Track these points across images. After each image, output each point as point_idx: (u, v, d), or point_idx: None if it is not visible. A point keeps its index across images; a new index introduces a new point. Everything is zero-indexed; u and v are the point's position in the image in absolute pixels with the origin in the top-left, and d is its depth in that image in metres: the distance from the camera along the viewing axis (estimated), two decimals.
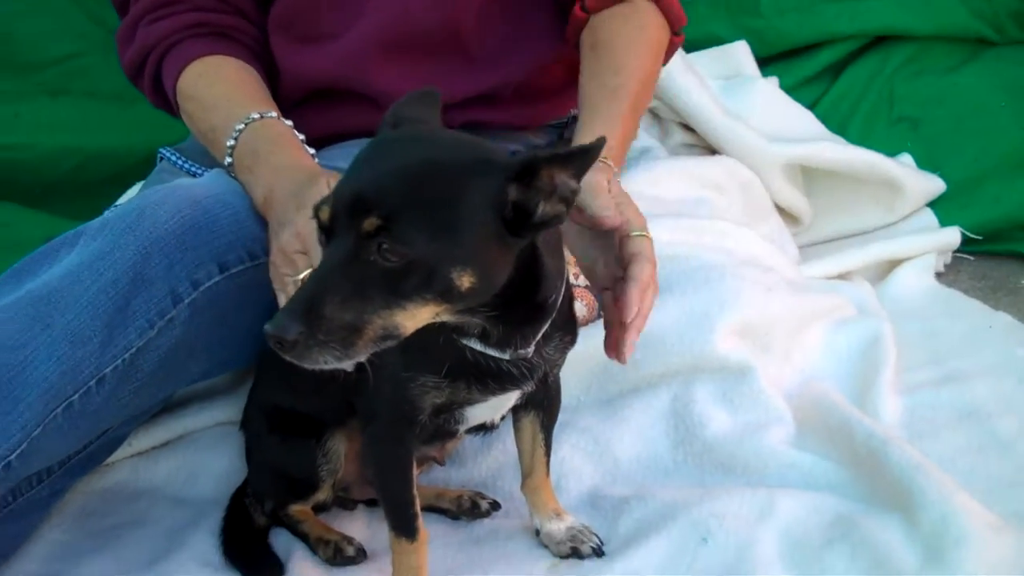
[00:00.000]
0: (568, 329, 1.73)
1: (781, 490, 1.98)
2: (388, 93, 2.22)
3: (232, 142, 2.02)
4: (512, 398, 1.77)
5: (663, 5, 2.25)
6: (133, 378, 1.85)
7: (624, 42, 2.15)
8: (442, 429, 1.80)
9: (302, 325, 1.30)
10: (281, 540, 2.05)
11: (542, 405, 1.91)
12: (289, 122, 2.07)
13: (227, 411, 2.30)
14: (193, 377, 2.08)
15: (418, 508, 1.78)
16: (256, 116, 2.03)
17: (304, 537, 2.02)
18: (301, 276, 1.76)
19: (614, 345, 1.75)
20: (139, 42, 2.28)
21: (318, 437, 1.95)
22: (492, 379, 1.62)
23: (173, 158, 2.29)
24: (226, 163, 2.04)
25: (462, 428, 1.82)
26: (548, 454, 1.95)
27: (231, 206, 1.94)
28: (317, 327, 1.31)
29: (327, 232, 1.38)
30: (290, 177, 1.90)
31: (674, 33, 2.32)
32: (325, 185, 1.79)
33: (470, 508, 2.08)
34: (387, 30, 2.25)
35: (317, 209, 1.38)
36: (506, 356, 1.59)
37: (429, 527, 1.87)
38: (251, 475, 2.10)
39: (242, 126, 2.02)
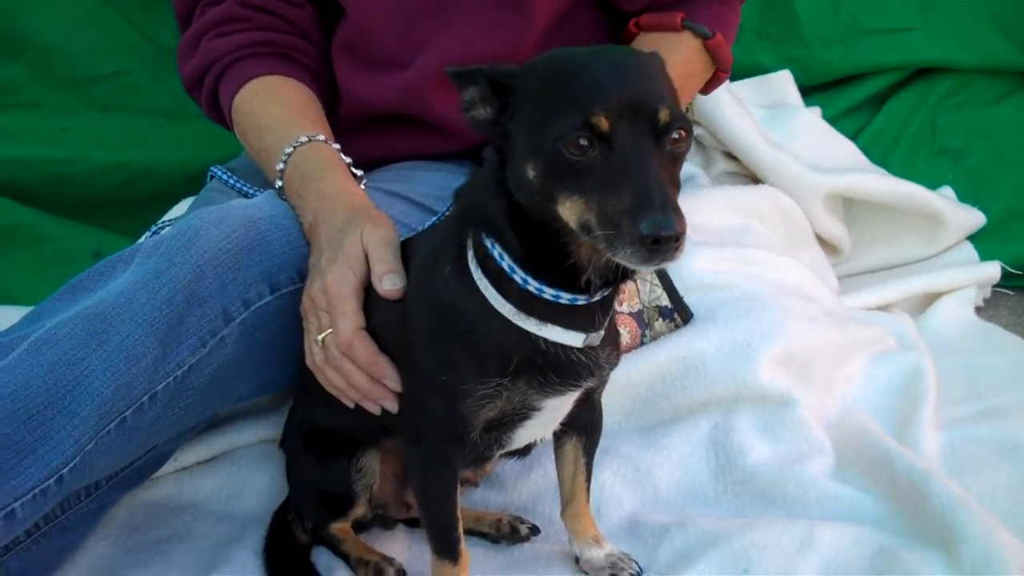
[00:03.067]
0: (615, 344, 1.76)
1: (822, 522, 1.97)
2: (447, 120, 2.27)
3: (282, 165, 2.06)
4: (564, 408, 1.78)
5: (710, 46, 2.30)
6: (184, 395, 1.88)
7: None
8: (483, 454, 1.82)
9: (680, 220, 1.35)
10: (322, 560, 2.06)
11: (585, 429, 1.92)
12: (336, 145, 2.11)
13: (270, 429, 2.32)
14: (240, 395, 2.10)
15: (461, 531, 1.80)
16: (304, 139, 2.07)
17: (345, 557, 2.04)
18: (321, 336, 1.82)
19: None
20: (201, 55, 2.32)
21: (351, 454, 1.98)
22: (554, 373, 1.63)
23: (224, 177, 2.32)
24: (277, 186, 2.07)
25: (505, 449, 1.84)
26: (589, 480, 1.96)
27: (283, 227, 1.98)
28: (682, 220, 1.35)
29: (603, 136, 1.39)
30: (333, 210, 1.93)
31: (720, 70, 2.37)
32: (359, 235, 1.84)
33: (509, 532, 2.09)
34: (451, 61, 2.26)
35: (587, 119, 1.38)
36: (579, 343, 1.61)
37: (469, 550, 1.89)
38: (291, 493, 2.13)
39: (291, 149, 2.06)
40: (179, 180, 3.22)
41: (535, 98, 1.48)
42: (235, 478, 2.30)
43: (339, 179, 2.02)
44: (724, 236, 2.60)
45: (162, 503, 2.26)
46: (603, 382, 1.81)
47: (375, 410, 1.84)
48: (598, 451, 1.98)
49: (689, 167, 2.96)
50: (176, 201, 3.00)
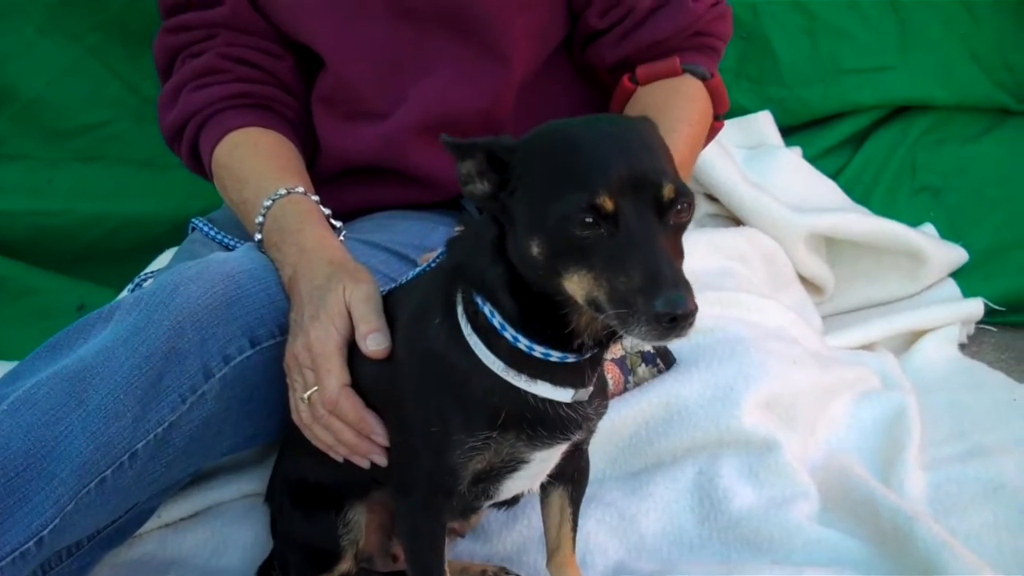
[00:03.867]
0: (603, 393, 1.76)
1: (807, 568, 1.97)
2: (425, 172, 2.28)
3: (260, 218, 2.06)
4: (552, 460, 1.77)
5: (711, 86, 2.30)
6: (164, 453, 1.86)
7: (675, 110, 2.20)
8: (471, 505, 1.81)
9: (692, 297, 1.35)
10: None
11: (571, 479, 1.91)
12: (315, 197, 2.11)
13: (254, 483, 2.30)
14: (223, 450, 2.08)
15: None
16: (283, 192, 2.07)
17: None
18: (307, 394, 1.81)
19: None
20: (181, 108, 2.33)
21: (339, 508, 1.96)
22: (543, 426, 1.63)
23: (206, 228, 2.31)
24: (256, 239, 2.07)
25: (491, 501, 1.83)
26: (575, 530, 1.95)
27: (263, 281, 1.97)
28: (693, 298, 1.35)
29: (608, 214, 1.39)
30: (312, 264, 1.93)
31: (715, 117, 2.37)
32: (341, 292, 1.83)
33: None
34: (429, 114, 2.28)
35: (592, 198, 1.37)
36: (568, 398, 1.61)
37: None
38: (276, 548, 2.11)
39: (269, 202, 2.06)
40: (163, 231, 3.22)
41: (536, 174, 1.47)
42: (219, 534, 2.28)
43: (318, 232, 2.02)
44: (706, 279, 2.59)
45: (145, 560, 2.24)
46: (591, 432, 1.81)
47: (364, 464, 1.83)
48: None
49: None
50: (160, 251, 2.99)
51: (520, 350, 1.56)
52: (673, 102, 2.25)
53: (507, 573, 2.09)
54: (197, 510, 2.31)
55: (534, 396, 1.60)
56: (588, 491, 2.01)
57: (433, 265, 1.84)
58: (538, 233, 1.44)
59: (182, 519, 2.31)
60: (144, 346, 1.82)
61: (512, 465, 1.69)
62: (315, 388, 1.81)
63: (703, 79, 2.30)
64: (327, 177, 2.38)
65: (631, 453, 2.30)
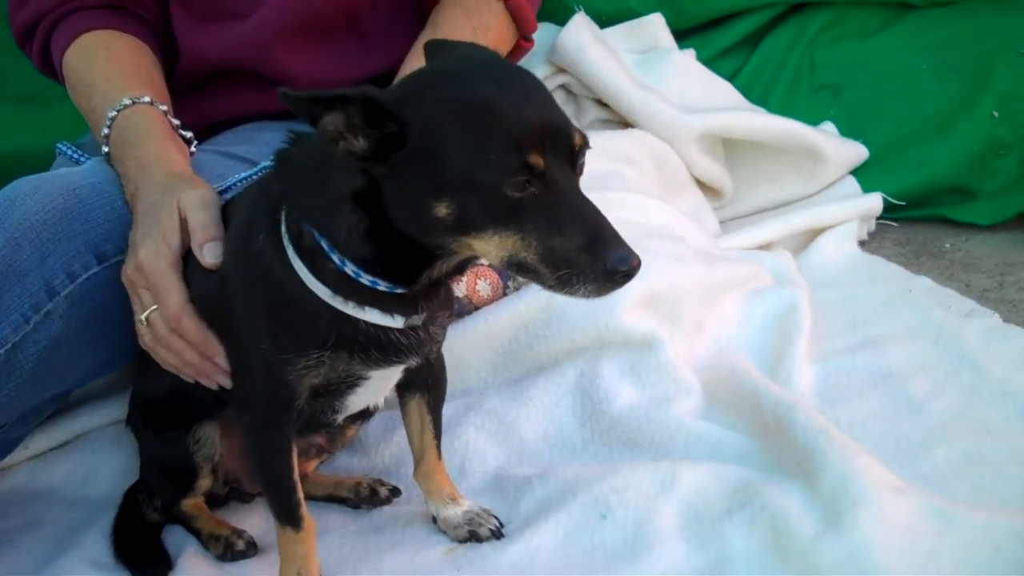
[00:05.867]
0: (447, 306, 1.71)
1: (685, 462, 1.94)
2: (289, 75, 2.20)
3: (106, 131, 1.98)
4: (393, 377, 1.73)
5: (511, 6, 2.25)
6: (11, 375, 1.80)
7: (459, 35, 2.10)
8: (319, 419, 1.76)
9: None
10: (176, 538, 2.01)
11: (427, 385, 1.87)
12: (164, 107, 2.02)
13: (123, 409, 2.22)
14: (81, 374, 2.02)
15: (301, 497, 1.74)
16: (128, 102, 1.98)
17: (197, 533, 1.99)
18: (145, 315, 1.75)
19: None
20: (33, 7, 2.23)
21: (188, 426, 1.91)
22: (377, 350, 1.58)
23: (69, 152, 2.23)
24: (104, 152, 1.99)
25: (340, 417, 1.79)
26: (438, 437, 1.91)
27: (106, 195, 1.90)
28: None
29: (539, 173, 1.34)
30: (150, 180, 1.85)
31: (524, 38, 2.33)
32: (175, 203, 1.75)
33: (369, 496, 2.04)
34: (289, 13, 2.21)
35: (526, 158, 1.32)
36: (400, 325, 1.56)
37: (327, 517, 1.84)
38: (140, 471, 2.06)
39: (114, 113, 1.98)
40: (46, 166, 3.08)
41: (446, 133, 1.36)
42: (88, 462, 2.24)
43: (159, 145, 1.94)
44: (590, 182, 2.49)
45: (14, 492, 2.20)
46: (439, 342, 1.76)
47: (212, 385, 1.78)
48: (462, 408, 1.93)
49: None
50: None
51: (347, 275, 1.49)
52: (461, 25, 2.19)
53: (382, 484, 2.06)
54: (66, 439, 2.26)
55: (364, 321, 1.54)
56: (468, 399, 1.98)
57: (263, 172, 1.77)
58: (451, 195, 1.36)
59: (51, 449, 2.26)
60: None
61: (351, 381, 1.65)
62: (153, 307, 1.75)
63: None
64: (189, 85, 2.29)
65: (510, 359, 2.25)
